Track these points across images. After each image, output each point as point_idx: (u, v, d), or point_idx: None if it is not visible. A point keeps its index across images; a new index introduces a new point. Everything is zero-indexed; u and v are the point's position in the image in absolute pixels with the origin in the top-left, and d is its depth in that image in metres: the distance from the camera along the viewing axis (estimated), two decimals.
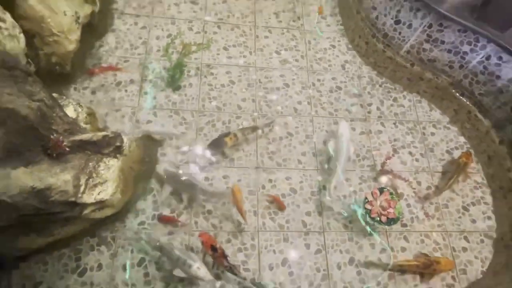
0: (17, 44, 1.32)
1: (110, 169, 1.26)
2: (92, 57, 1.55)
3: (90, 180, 1.20)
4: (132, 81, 1.50)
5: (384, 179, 1.45)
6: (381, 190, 1.40)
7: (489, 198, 1.46)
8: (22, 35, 1.34)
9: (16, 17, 1.34)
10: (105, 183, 1.23)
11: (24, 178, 0.99)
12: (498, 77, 1.42)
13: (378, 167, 1.45)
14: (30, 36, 1.42)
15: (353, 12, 1.72)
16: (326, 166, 1.41)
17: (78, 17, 1.52)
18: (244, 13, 1.78)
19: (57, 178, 1.09)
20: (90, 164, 1.22)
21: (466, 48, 1.44)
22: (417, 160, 1.51)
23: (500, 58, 1.39)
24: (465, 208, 1.43)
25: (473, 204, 1.44)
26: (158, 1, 1.73)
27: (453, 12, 1.39)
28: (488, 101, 1.49)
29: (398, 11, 1.53)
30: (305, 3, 1.87)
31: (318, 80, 1.63)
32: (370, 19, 1.62)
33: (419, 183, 1.45)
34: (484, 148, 1.52)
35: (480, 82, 1.48)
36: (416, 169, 1.48)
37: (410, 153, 1.51)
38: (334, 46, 1.73)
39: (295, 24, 1.80)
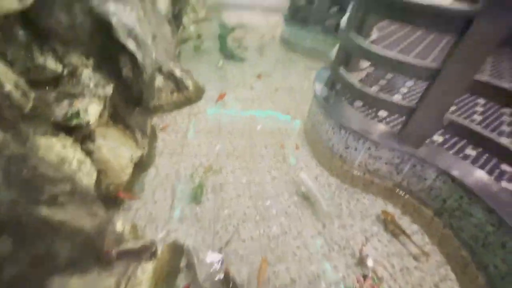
0: (91, 180, 1.95)
1: (145, 273, 1.63)
2: (138, 184, 2.20)
3: (129, 282, 1.55)
4: (165, 199, 2.09)
5: (364, 265, 1.81)
6: (365, 276, 1.74)
7: (451, 275, 1.78)
8: (95, 173, 2.00)
9: (92, 160, 2.03)
10: (140, 285, 1.58)
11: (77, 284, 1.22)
12: (425, 178, 2.05)
13: (357, 254, 1.84)
14: (98, 171, 2.08)
15: (317, 143, 2.57)
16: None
17: (132, 158, 2.28)
18: (244, 147, 2.62)
19: (103, 283, 1.44)
20: (130, 268, 1.60)
21: (397, 160, 2.13)
22: (385, 246, 1.91)
23: (421, 165, 2.05)
24: (436, 286, 1.73)
25: (441, 281, 1.75)
26: (186, 144, 2.59)
27: (382, 138, 2.17)
28: (424, 195, 2.06)
29: (346, 140, 2.32)
30: (285, 139, 2.76)
31: (304, 197, 2.25)
32: (329, 147, 2.42)
33: (392, 265, 1.81)
34: (433, 232, 1.96)
35: (414, 183, 2.09)
36: (387, 253, 1.87)
37: (379, 240, 1.94)
38: (307, 166, 2.47)
39: (280, 152, 2.61)
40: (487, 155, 1.95)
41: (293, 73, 4.17)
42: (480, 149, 1.98)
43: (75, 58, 1.72)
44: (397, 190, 2.15)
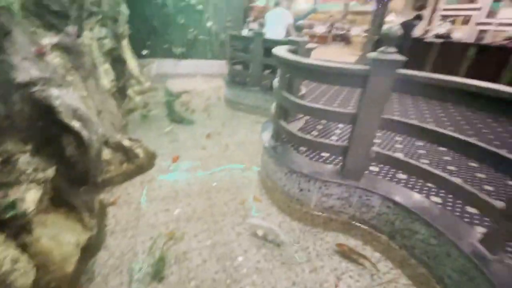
0: (27, 279, 1.66)
1: None
2: (86, 273, 1.92)
3: None
4: (121, 284, 1.85)
5: None
6: None
7: None
8: (33, 270, 1.72)
9: (30, 254, 1.75)
10: None
11: None
12: (373, 206, 2.27)
13: None
14: (36, 267, 1.77)
15: (274, 191, 2.69)
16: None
17: (79, 243, 2.02)
18: (204, 208, 2.57)
19: None
20: None
21: (346, 194, 2.33)
22: (357, 280, 1.97)
23: (366, 195, 2.29)
24: None
25: None
26: (141, 215, 2.43)
27: (328, 177, 2.39)
28: (376, 222, 2.25)
29: (299, 183, 2.49)
30: (244, 192, 2.83)
31: (266, 239, 2.25)
32: (285, 192, 2.56)
33: None
34: (393, 256, 2.11)
35: (364, 212, 2.30)
36: (359, 287, 1.91)
37: (350, 276, 1.99)
38: (269, 214, 2.53)
39: (240, 206, 2.63)
40: (414, 177, 2.31)
41: (241, 129, 4.47)
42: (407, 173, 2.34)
43: (10, 146, 1.61)
44: (353, 222, 2.32)
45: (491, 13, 6.93)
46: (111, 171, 2.83)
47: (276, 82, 2.74)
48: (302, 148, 2.73)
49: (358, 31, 17.40)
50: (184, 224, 2.37)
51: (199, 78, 7.66)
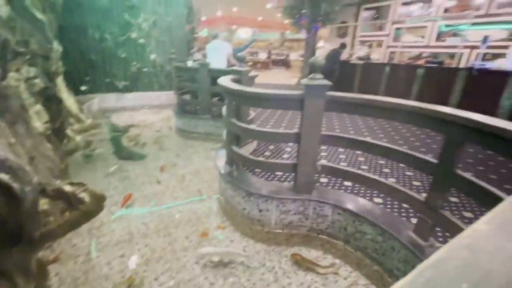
0: None
1: None
2: None
3: None
4: None
5: None
6: None
7: None
8: None
9: None
10: None
11: None
12: (326, 215, 2.45)
13: None
14: None
15: (235, 216, 2.71)
16: None
17: None
18: (163, 247, 2.44)
19: None
20: None
21: (301, 208, 2.47)
22: None
23: (319, 206, 2.46)
24: None
25: None
26: (90, 268, 2.18)
27: (284, 194, 2.52)
28: (331, 230, 2.43)
29: (258, 204, 2.56)
30: (205, 222, 2.78)
31: (233, 267, 2.23)
32: (246, 215, 2.60)
33: None
34: (351, 259, 2.28)
35: (320, 222, 2.46)
36: None
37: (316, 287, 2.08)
38: (232, 241, 2.52)
39: (203, 238, 2.57)
40: (357, 184, 2.59)
41: (195, 158, 4.43)
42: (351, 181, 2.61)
43: None
44: (312, 233, 2.46)
45: (397, 38, 8.41)
46: (51, 223, 2.52)
47: (224, 109, 2.86)
48: (258, 170, 2.85)
49: (295, 56, 19.24)
50: (143, 268, 2.21)
51: (147, 110, 7.44)
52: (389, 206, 2.36)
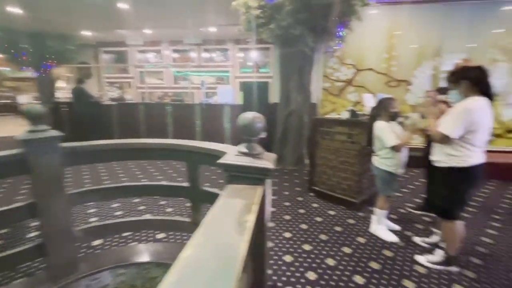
0: None
1: None
2: None
3: None
4: None
5: None
6: None
7: None
8: None
9: None
10: None
11: None
12: (107, 285, 2.05)
13: None
14: None
15: None
16: None
17: None
18: None
19: None
20: None
21: None
22: None
23: (93, 279, 2.00)
24: None
25: None
26: None
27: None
28: None
29: None
30: None
31: None
32: None
33: None
34: None
35: None
36: None
37: None
38: None
39: None
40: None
41: None
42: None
43: None
44: None
45: (143, 80, 9.18)
46: None
47: None
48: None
49: (28, 99, 14.89)
50: None
51: None
52: (172, 238, 2.44)
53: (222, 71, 8.97)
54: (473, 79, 1.94)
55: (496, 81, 5.14)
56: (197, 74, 8.84)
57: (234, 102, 6.41)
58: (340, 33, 4.72)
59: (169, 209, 3.25)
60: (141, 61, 9.34)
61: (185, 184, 1.84)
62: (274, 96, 5.78)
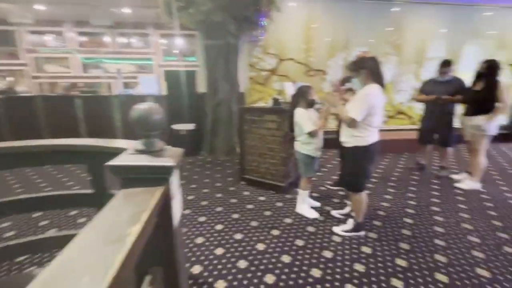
0: None
1: None
2: None
3: None
4: None
5: None
6: None
7: None
8: None
9: None
10: None
11: None
12: None
13: None
14: None
15: None
16: None
17: None
18: None
19: None
20: None
21: None
22: None
23: None
24: None
25: None
26: None
27: None
28: None
29: None
30: None
31: None
32: None
33: None
34: None
35: None
36: None
37: None
38: None
39: None
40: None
41: None
42: None
43: None
44: None
45: (40, 68, 7.59)
46: None
47: None
48: None
49: None
50: None
51: None
52: None
53: (144, 58, 8.14)
54: (370, 69, 2.22)
55: (388, 71, 6.13)
56: (113, 62, 7.79)
57: (160, 93, 5.92)
58: (262, 22, 4.79)
59: (82, 219, 2.81)
60: (35, 45, 7.64)
61: (88, 191, 1.58)
62: (202, 86, 5.57)
